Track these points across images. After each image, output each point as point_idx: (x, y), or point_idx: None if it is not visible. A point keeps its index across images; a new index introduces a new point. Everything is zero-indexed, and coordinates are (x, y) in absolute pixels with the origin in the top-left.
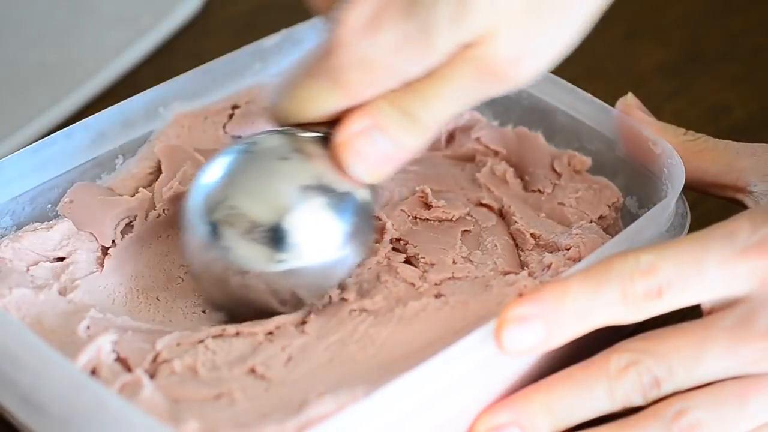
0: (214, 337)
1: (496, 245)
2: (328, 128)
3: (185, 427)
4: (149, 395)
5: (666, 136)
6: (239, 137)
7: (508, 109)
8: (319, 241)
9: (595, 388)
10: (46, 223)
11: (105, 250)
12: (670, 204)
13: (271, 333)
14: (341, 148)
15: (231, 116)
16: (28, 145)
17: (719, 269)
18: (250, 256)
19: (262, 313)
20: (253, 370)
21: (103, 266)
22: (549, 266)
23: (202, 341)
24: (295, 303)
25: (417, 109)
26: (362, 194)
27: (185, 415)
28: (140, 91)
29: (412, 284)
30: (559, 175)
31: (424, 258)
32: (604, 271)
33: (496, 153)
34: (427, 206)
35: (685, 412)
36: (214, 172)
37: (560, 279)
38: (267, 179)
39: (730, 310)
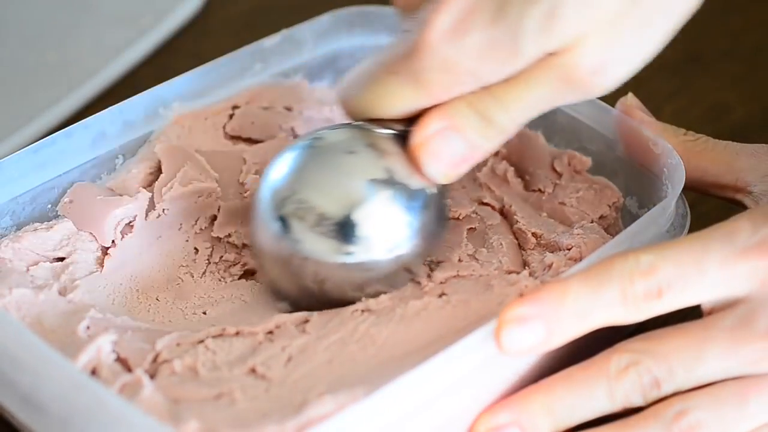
0: (214, 337)
1: (501, 243)
2: (401, 125)
3: (185, 427)
4: (149, 395)
5: (666, 136)
6: (239, 137)
7: None
8: (388, 234)
9: (595, 389)
10: (46, 223)
11: (105, 250)
12: (670, 204)
13: (271, 333)
14: (418, 148)
15: (231, 116)
16: (28, 145)
17: (719, 269)
18: (320, 248)
19: (330, 303)
20: (253, 370)
21: (103, 266)
22: (550, 266)
23: (202, 341)
24: (364, 293)
25: (495, 112)
26: (433, 190)
27: (185, 415)
28: (140, 91)
29: (418, 283)
30: (559, 175)
31: (430, 256)
32: (604, 272)
33: (497, 153)
34: None
35: (685, 413)
36: (282, 166)
37: (560, 279)
38: (337, 173)
39: (730, 311)
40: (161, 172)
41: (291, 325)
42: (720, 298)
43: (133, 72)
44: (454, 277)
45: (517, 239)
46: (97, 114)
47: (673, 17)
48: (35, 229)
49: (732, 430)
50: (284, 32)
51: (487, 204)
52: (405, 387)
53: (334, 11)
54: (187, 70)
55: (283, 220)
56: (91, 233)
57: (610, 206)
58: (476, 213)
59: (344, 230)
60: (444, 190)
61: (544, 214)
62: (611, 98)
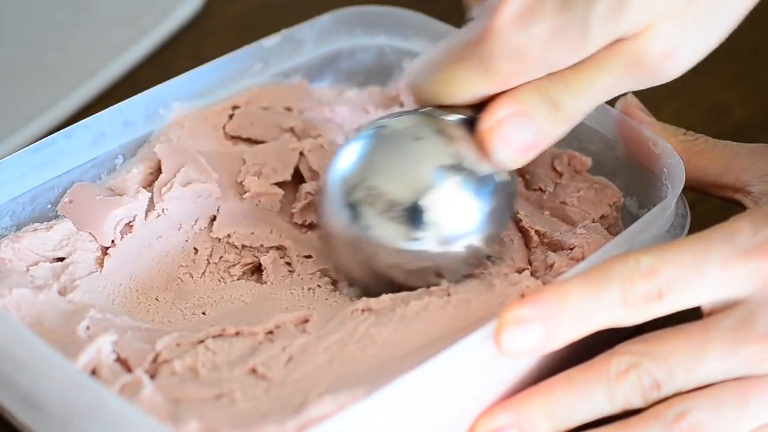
0: (214, 337)
1: (512, 240)
2: (469, 111)
3: (185, 428)
4: (149, 395)
5: (665, 136)
6: (239, 137)
7: None
8: (458, 220)
9: (595, 391)
10: (45, 223)
11: (105, 250)
12: (670, 204)
13: (271, 333)
14: (487, 134)
15: (231, 116)
16: (28, 145)
17: (720, 271)
18: (389, 234)
19: (401, 287)
20: (253, 370)
21: (102, 266)
22: (551, 266)
23: (202, 341)
24: (434, 277)
25: (563, 98)
26: (502, 176)
27: (185, 415)
28: (140, 91)
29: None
30: (559, 175)
31: (496, 243)
32: (605, 274)
33: None
34: None
35: (686, 414)
36: (351, 154)
37: (560, 281)
38: (405, 159)
39: (730, 312)
40: (161, 172)
41: (291, 325)
42: (720, 299)
43: (133, 72)
44: (470, 275)
45: (523, 237)
46: (97, 114)
47: (742, 2)
48: (35, 230)
49: (732, 431)
50: (284, 32)
51: None
52: (405, 387)
53: (334, 11)
54: (187, 70)
55: (353, 207)
56: (90, 233)
57: (610, 206)
58: None
59: (413, 216)
60: (512, 176)
61: (547, 212)
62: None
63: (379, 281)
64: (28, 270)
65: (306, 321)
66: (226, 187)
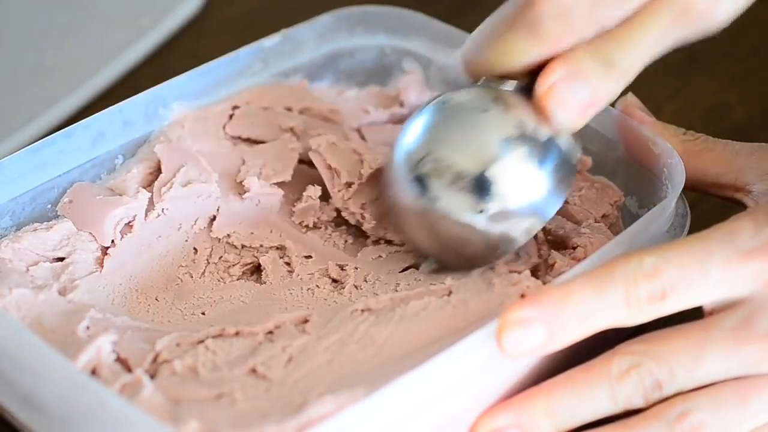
0: (214, 337)
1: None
2: (524, 79)
3: (185, 428)
4: (149, 395)
5: (666, 135)
6: (239, 137)
7: None
8: (524, 188)
9: (596, 391)
10: (45, 223)
11: (104, 250)
12: (670, 204)
13: (270, 333)
14: (544, 97)
15: (231, 116)
16: (28, 145)
17: (722, 271)
18: (457, 205)
19: (472, 259)
20: (253, 370)
21: (102, 266)
22: (552, 266)
23: (202, 341)
24: (503, 248)
25: (615, 55)
26: (564, 141)
27: (185, 415)
28: (140, 91)
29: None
30: None
31: (560, 212)
32: (607, 274)
33: None
34: None
35: (687, 414)
36: (415, 129)
37: (562, 282)
38: (470, 131)
39: (731, 311)
40: (161, 172)
41: (290, 325)
42: (722, 299)
43: (133, 72)
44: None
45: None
46: (97, 114)
47: None
48: (35, 230)
49: (733, 431)
50: (284, 32)
51: None
52: (405, 387)
53: (334, 11)
54: (187, 70)
55: (421, 180)
56: (90, 233)
57: (611, 205)
58: None
59: (481, 186)
60: (575, 143)
61: None
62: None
63: (449, 253)
64: (28, 270)
65: (306, 321)
66: (226, 187)
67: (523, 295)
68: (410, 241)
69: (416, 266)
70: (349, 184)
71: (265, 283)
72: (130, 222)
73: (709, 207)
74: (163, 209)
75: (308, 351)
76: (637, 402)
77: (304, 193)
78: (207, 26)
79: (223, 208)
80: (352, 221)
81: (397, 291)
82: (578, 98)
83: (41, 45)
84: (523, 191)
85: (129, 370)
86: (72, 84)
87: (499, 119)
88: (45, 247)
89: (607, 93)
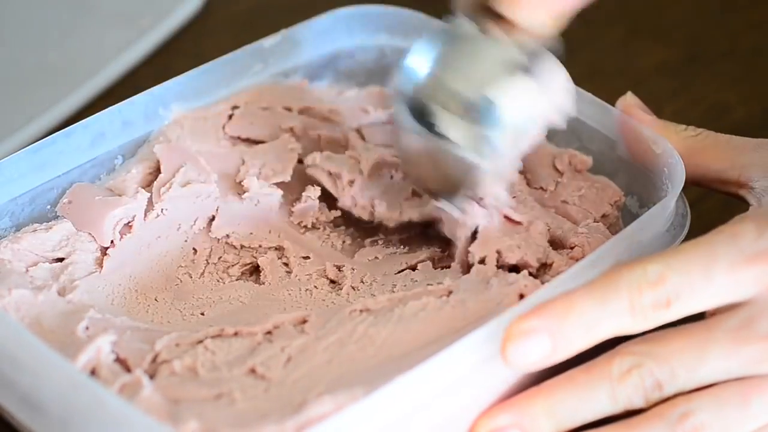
0: (213, 337)
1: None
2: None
3: (185, 428)
4: (149, 395)
5: (667, 133)
6: (238, 137)
7: None
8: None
9: (597, 391)
10: (45, 224)
11: (104, 251)
12: (670, 203)
13: (269, 333)
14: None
15: (231, 116)
16: (28, 145)
17: (726, 276)
18: (458, 132)
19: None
20: (253, 371)
21: (102, 267)
22: (550, 265)
23: (201, 342)
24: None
25: None
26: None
27: (185, 415)
28: (140, 91)
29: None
30: (560, 174)
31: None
32: (611, 283)
33: None
34: None
35: (689, 415)
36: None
37: (566, 292)
38: (470, 59)
39: (732, 312)
40: (160, 173)
41: (289, 325)
42: (725, 303)
43: (133, 72)
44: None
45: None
46: (96, 114)
47: None
48: (34, 230)
49: (735, 431)
50: (284, 32)
51: None
52: (404, 387)
53: (334, 11)
54: (187, 70)
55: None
56: (90, 234)
57: (611, 205)
58: None
59: (483, 113)
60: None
61: (552, 210)
62: (613, 98)
63: (454, 186)
64: (27, 271)
65: (304, 321)
66: (225, 187)
67: (521, 295)
68: (417, 181)
69: (413, 268)
70: (351, 181)
71: (263, 283)
72: (129, 222)
73: (710, 206)
74: (162, 209)
75: (307, 351)
76: (638, 402)
77: (303, 194)
78: (207, 26)
79: (222, 209)
80: (365, 216)
81: (394, 292)
82: None
83: (41, 45)
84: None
85: (128, 370)
86: (72, 84)
87: (495, 51)
88: (44, 247)
89: None
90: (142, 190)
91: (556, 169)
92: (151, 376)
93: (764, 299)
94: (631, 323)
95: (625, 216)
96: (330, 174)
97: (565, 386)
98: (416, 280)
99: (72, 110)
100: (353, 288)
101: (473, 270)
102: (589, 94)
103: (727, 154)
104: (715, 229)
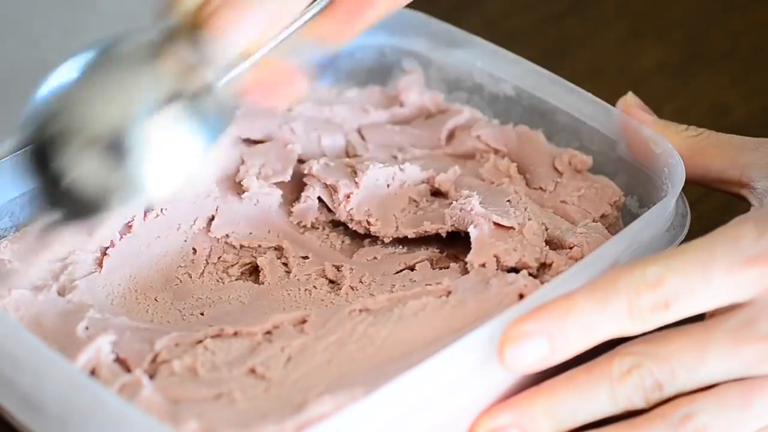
0: (213, 337)
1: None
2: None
3: (185, 428)
4: (149, 395)
5: (668, 133)
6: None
7: (509, 108)
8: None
9: (597, 392)
10: None
11: (104, 251)
12: (670, 203)
13: (269, 333)
14: None
15: None
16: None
17: (725, 277)
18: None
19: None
20: (252, 371)
21: (101, 267)
22: (549, 265)
23: (200, 341)
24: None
25: None
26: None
27: (185, 415)
28: None
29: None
30: (560, 174)
31: None
32: (610, 285)
33: (497, 151)
34: None
35: (691, 416)
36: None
37: (564, 294)
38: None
39: (732, 313)
40: None
41: (289, 325)
42: (725, 304)
43: None
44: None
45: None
46: None
47: None
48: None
49: None
50: None
51: None
52: (404, 387)
53: None
54: None
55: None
56: (89, 233)
57: (611, 205)
58: None
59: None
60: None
61: (551, 210)
62: (613, 98)
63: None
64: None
65: (304, 321)
66: (225, 187)
67: (521, 295)
68: None
69: (411, 268)
70: (348, 195)
71: (263, 283)
72: (129, 222)
73: (710, 207)
74: (162, 209)
75: (307, 351)
76: (638, 402)
77: (302, 194)
78: None
79: (222, 208)
80: (361, 230)
81: (392, 292)
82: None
83: (41, 45)
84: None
85: (128, 370)
86: None
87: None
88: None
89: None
90: None
91: (556, 170)
92: (151, 376)
93: (764, 300)
94: (629, 325)
95: (625, 216)
96: (326, 186)
97: (565, 386)
98: (415, 281)
99: None
100: (352, 288)
101: (473, 270)
102: (589, 94)
103: (729, 154)
104: (715, 230)
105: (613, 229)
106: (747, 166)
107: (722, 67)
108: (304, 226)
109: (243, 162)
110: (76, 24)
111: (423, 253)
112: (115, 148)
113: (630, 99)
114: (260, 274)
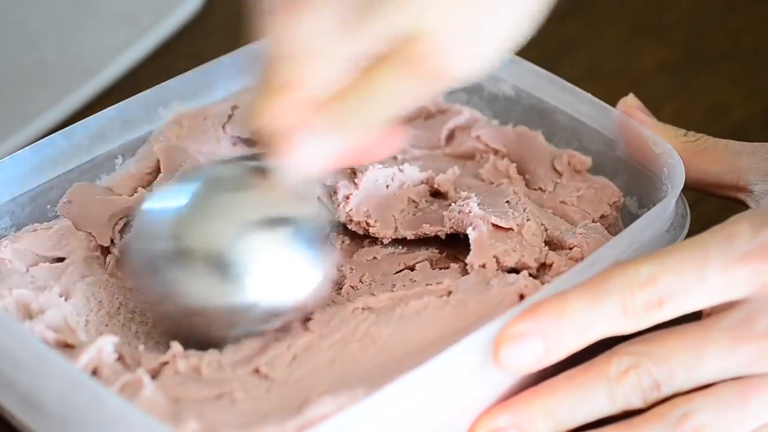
0: None
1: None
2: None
3: (185, 427)
4: (149, 395)
5: (666, 136)
6: (238, 137)
7: (508, 108)
8: (265, 273)
9: (595, 392)
10: (45, 223)
11: (104, 250)
12: (669, 204)
13: (278, 331)
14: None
15: (230, 116)
16: (28, 145)
17: (719, 275)
18: (196, 289)
19: (216, 342)
20: (257, 370)
21: (102, 266)
22: (550, 266)
23: None
24: (246, 332)
25: (355, 109)
26: (309, 222)
27: (185, 415)
28: (140, 91)
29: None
30: (559, 174)
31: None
32: (604, 284)
33: (496, 151)
34: None
35: (689, 416)
36: (160, 208)
37: (558, 293)
38: (212, 213)
39: (729, 312)
40: (160, 172)
41: (296, 322)
42: (719, 302)
43: (133, 72)
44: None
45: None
46: (96, 114)
47: (519, 9)
48: (35, 230)
49: (735, 431)
50: None
51: None
52: (405, 387)
53: None
54: (187, 70)
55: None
56: (90, 233)
57: (610, 205)
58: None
59: (219, 270)
60: (323, 212)
61: (550, 211)
62: (612, 98)
63: (194, 335)
64: (27, 270)
65: (308, 319)
66: None
67: (521, 296)
68: (157, 323)
69: (411, 268)
70: (347, 197)
71: None
72: (129, 222)
73: (709, 207)
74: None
75: (312, 350)
76: (636, 402)
77: None
78: (207, 26)
79: None
80: (360, 231)
81: (393, 292)
82: (316, 151)
83: (41, 45)
84: (266, 274)
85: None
86: (72, 84)
87: (243, 201)
88: (45, 247)
89: (345, 144)
90: (142, 189)
91: (555, 170)
92: (155, 376)
93: (760, 298)
94: (623, 324)
95: (625, 216)
96: (325, 186)
97: (563, 386)
98: (415, 281)
99: (72, 110)
100: (352, 287)
101: (473, 271)
102: (589, 95)
103: (726, 158)
104: (710, 228)
105: (612, 229)
106: (744, 169)
107: (722, 68)
108: None
109: None
110: (76, 24)
111: (423, 254)
112: (216, 264)
113: (630, 101)
114: None
